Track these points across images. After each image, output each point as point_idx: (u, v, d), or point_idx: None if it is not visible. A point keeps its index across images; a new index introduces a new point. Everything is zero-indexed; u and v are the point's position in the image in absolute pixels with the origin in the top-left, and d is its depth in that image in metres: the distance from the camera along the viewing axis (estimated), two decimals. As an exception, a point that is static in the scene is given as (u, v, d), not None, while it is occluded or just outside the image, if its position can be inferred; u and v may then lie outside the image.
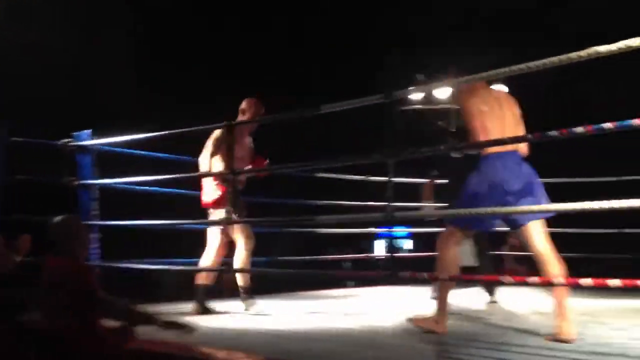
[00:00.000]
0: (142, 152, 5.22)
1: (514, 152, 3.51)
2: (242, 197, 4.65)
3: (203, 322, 4.00)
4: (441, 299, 3.55)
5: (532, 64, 2.72)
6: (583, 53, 2.46)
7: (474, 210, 3.16)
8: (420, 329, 3.55)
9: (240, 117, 4.70)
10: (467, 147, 3.89)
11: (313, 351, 3.04)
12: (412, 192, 6.39)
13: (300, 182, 6.98)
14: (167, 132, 4.44)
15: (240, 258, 4.57)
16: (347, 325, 3.98)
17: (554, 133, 2.68)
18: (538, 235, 3.46)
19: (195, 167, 4.78)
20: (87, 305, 2.83)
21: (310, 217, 3.80)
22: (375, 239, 18.29)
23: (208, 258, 4.65)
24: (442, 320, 3.53)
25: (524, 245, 3.84)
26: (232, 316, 4.41)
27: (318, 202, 6.62)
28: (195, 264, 4.76)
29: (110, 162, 5.06)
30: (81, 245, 3.05)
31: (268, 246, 6.18)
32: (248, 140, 4.79)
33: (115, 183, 4.83)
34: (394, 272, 3.11)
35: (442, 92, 8.32)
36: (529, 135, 3.41)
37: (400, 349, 3.19)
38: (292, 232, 6.70)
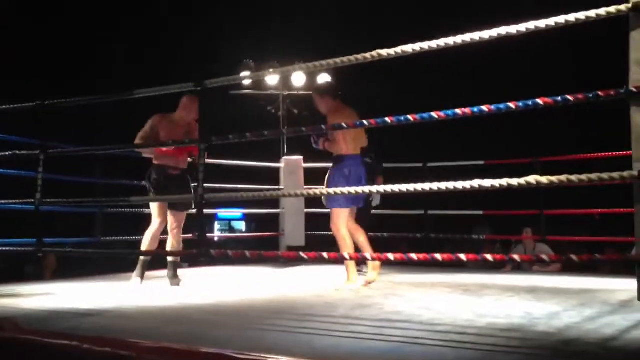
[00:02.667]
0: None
1: (358, 155, 5.12)
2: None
3: (24, 304, 4.01)
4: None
5: (329, 61, 3.01)
6: (367, 55, 2.77)
7: (275, 193, 3.40)
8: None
9: (180, 111, 5.18)
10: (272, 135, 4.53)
11: (117, 328, 3.14)
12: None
13: (126, 164, 6.93)
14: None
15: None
16: (163, 303, 4.11)
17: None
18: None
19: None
20: None
21: (125, 197, 3.86)
22: (215, 221, 18.57)
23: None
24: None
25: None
26: (53, 297, 4.40)
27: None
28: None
29: None
30: None
31: (89, 226, 6.13)
32: (182, 131, 5.13)
33: None
34: (200, 251, 3.27)
35: (272, 79, 8.58)
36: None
37: (206, 322, 3.38)
38: (124, 213, 6.69)
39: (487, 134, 12.04)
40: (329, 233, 7.06)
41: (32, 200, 4.09)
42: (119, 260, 6.84)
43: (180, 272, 6.81)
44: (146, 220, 5.28)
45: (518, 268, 6.79)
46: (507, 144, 11.22)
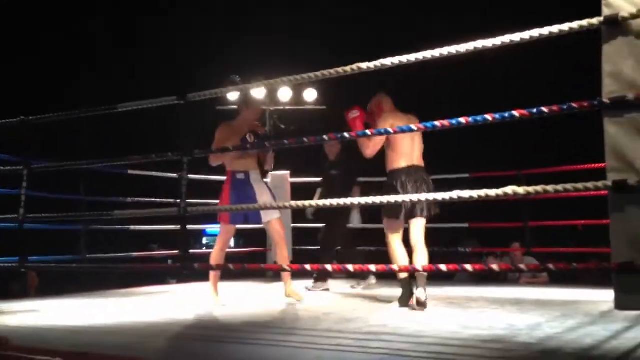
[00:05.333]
0: None
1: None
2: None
3: (9, 321, 3.97)
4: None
5: (311, 75, 3.05)
6: (347, 68, 2.81)
7: (258, 206, 3.43)
8: None
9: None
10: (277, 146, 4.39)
11: (102, 344, 3.13)
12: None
13: (110, 179, 6.92)
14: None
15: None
16: (145, 319, 4.09)
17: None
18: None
19: None
20: None
21: (107, 212, 3.86)
22: (204, 237, 18.55)
23: None
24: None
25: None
26: (38, 314, 4.37)
27: (136, 199, 6.66)
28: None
29: None
30: None
31: (74, 244, 6.09)
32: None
33: None
34: (184, 265, 3.27)
35: (258, 93, 8.61)
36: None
37: (190, 337, 3.38)
38: (115, 229, 6.69)
39: (474, 146, 12.16)
40: (317, 248, 7.14)
41: (16, 216, 4.07)
42: (103, 277, 6.79)
43: (166, 287, 6.83)
44: (131, 236, 5.26)
45: (505, 280, 6.82)
46: (494, 156, 11.32)
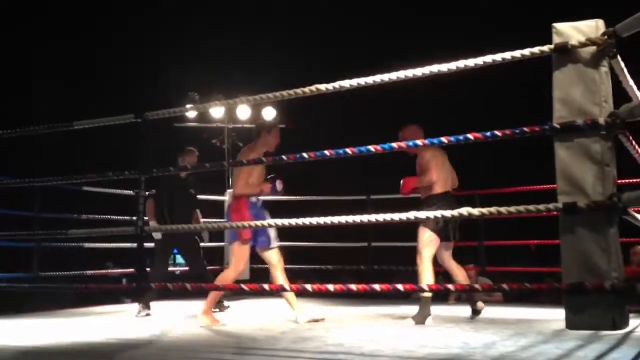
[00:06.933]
0: None
1: None
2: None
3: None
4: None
5: (269, 95, 3.06)
6: (307, 89, 2.84)
7: (217, 225, 3.41)
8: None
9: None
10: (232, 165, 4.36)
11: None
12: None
13: (65, 195, 6.80)
14: None
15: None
16: (98, 339, 4.00)
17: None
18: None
19: None
20: None
21: (61, 231, 3.79)
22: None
23: None
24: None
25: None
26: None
27: (99, 217, 6.55)
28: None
29: None
30: None
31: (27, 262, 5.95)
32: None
33: None
34: (140, 284, 3.23)
35: (217, 111, 8.61)
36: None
37: (146, 357, 3.32)
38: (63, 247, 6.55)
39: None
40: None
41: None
42: (56, 296, 6.63)
43: (121, 307, 6.71)
44: (85, 253, 5.17)
45: (459, 299, 6.89)
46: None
